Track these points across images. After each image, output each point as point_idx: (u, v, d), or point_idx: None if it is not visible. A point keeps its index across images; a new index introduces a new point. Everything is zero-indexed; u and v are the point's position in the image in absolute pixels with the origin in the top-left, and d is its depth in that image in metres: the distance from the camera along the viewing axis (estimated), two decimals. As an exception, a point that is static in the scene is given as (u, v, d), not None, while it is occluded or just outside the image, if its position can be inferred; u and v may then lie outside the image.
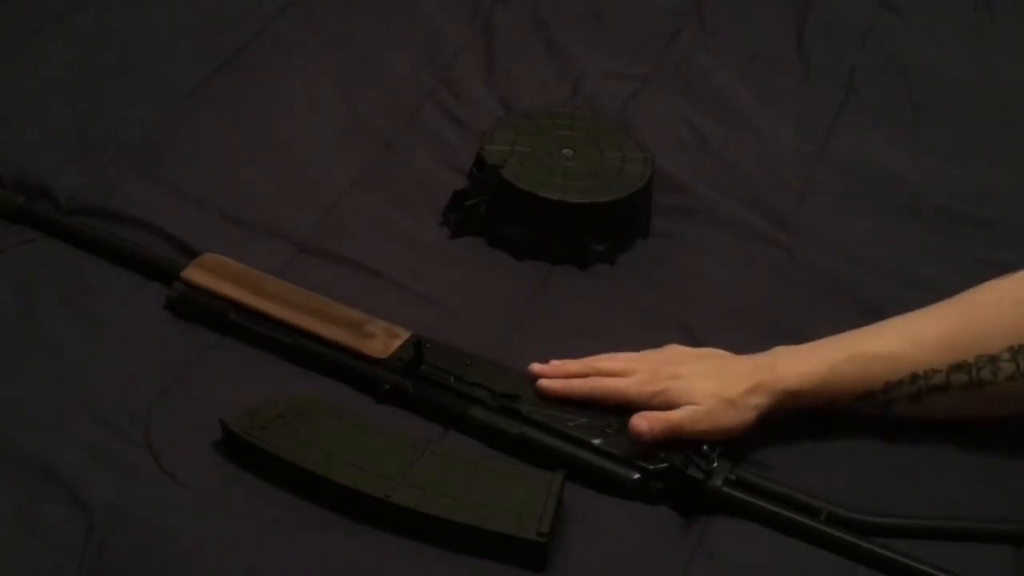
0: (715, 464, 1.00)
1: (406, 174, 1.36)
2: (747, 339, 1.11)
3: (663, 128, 1.44)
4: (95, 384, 1.06)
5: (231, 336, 1.12)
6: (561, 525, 0.97)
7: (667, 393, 1.03)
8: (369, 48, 1.53)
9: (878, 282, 1.24)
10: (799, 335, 1.10)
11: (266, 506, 0.97)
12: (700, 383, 1.04)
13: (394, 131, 1.41)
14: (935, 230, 1.33)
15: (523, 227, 1.25)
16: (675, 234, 1.30)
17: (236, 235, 1.24)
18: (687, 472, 1.00)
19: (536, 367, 1.08)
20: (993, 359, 1.03)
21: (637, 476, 1.01)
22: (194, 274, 1.15)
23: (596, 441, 1.03)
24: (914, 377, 1.04)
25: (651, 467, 1.01)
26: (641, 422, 1.02)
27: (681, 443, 1.02)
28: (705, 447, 1.00)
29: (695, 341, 1.14)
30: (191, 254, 1.18)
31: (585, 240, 1.24)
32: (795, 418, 1.06)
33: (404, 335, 1.11)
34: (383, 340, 1.10)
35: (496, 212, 1.26)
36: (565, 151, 1.29)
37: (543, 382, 1.07)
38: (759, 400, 1.04)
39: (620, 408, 1.04)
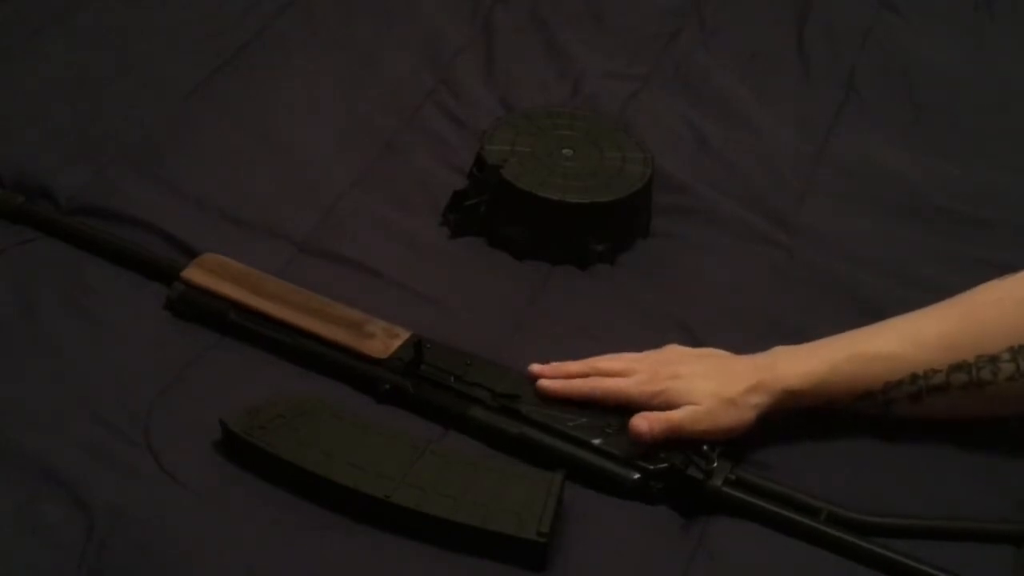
0: (715, 464, 1.00)
1: (406, 174, 1.36)
2: (747, 339, 1.11)
3: (663, 128, 1.44)
4: (95, 384, 1.06)
5: (231, 336, 1.12)
6: (561, 525, 0.97)
7: (667, 393, 1.03)
8: (369, 48, 1.53)
9: (878, 282, 1.24)
10: (799, 335, 1.10)
11: (266, 506, 0.97)
12: (700, 383, 1.04)
13: (394, 131, 1.41)
14: (935, 230, 1.33)
15: (523, 227, 1.25)
16: (675, 234, 1.30)
17: (236, 235, 1.24)
18: (687, 472, 1.00)
19: (536, 367, 1.08)
20: (993, 359, 1.03)
21: (637, 476, 1.01)
22: (194, 274, 1.15)
23: (596, 441, 1.03)
24: (914, 377, 1.04)
25: (651, 467, 1.01)
26: (641, 422, 1.02)
27: (681, 443, 1.02)
28: (705, 447, 1.00)
29: (695, 341, 1.14)
30: (191, 254, 1.18)
31: (585, 240, 1.24)
32: (795, 418, 1.06)
33: (404, 335, 1.11)
34: (383, 340, 1.10)
35: (496, 212, 1.26)
36: (565, 151, 1.29)
37: (543, 382, 1.07)
38: (759, 400, 1.04)
39: (620, 408, 1.04)
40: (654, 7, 1.67)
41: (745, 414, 1.03)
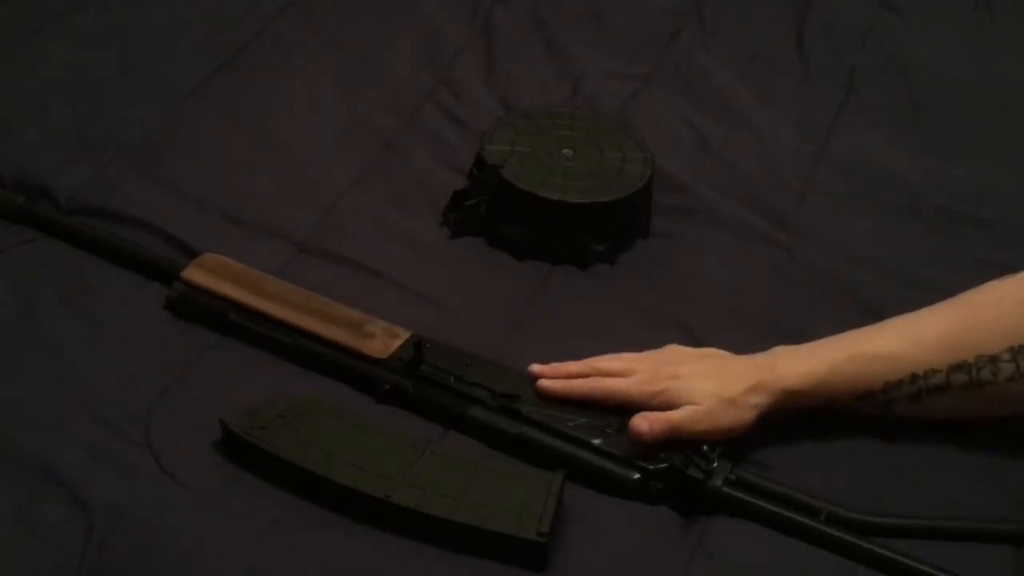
0: (715, 464, 0.99)
1: (406, 174, 1.36)
2: (747, 339, 1.11)
3: (663, 128, 1.44)
4: (95, 384, 1.06)
5: (231, 336, 1.12)
6: (561, 525, 0.97)
7: (667, 393, 1.03)
8: (369, 48, 1.53)
9: (878, 282, 1.24)
10: (799, 335, 1.10)
11: (266, 506, 0.97)
12: (700, 383, 1.04)
13: (394, 131, 1.41)
14: (935, 230, 1.33)
15: (523, 227, 1.25)
16: (675, 234, 1.30)
17: (236, 235, 1.24)
18: (687, 472, 1.00)
19: (536, 368, 1.08)
20: (993, 359, 1.03)
21: (637, 476, 1.01)
22: (194, 274, 1.15)
23: (596, 441, 1.03)
24: (914, 377, 1.04)
25: (651, 467, 1.01)
26: (641, 422, 1.02)
27: (681, 443, 1.02)
28: (705, 447, 1.00)
29: (695, 341, 1.14)
30: (191, 254, 1.18)
31: (585, 240, 1.24)
32: (795, 418, 1.06)
33: (404, 335, 1.11)
34: (383, 340, 1.10)
35: (496, 212, 1.26)
36: (565, 151, 1.29)
37: (543, 382, 1.07)
38: (759, 400, 1.04)
39: (620, 408, 1.04)
40: (654, 7, 1.67)
41: (745, 414, 1.03)
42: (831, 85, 1.55)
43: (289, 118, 1.41)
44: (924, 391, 1.04)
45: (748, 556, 0.98)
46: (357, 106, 1.44)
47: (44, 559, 0.92)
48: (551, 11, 1.63)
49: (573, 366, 1.08)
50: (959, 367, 1.03)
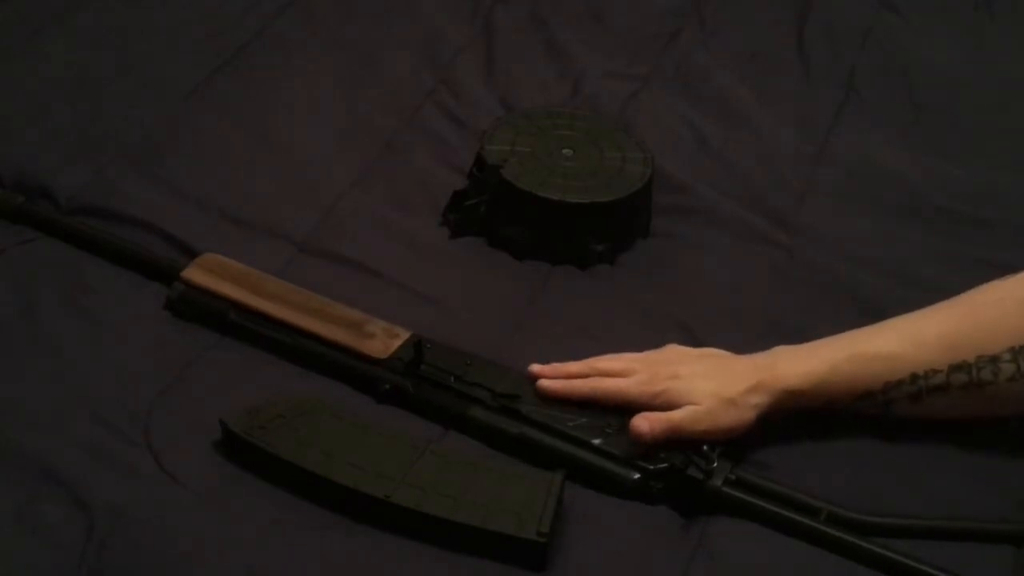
0: (715, 464, 0.99)
1: (406, 174, 1.36)
2: (747, 339, 1.11)
3: (663, 128, 1.44)
4: (95, 384, 1.06)
5: (231, 336, 1.12)
6: (561, 525, 0.97)
7: (668, 393, 1.03)
8: (369, 48, 1.53)
9: (878, 282, 1.24)
10: (799, 335, 1.10)
11: (266, 506, 0.97)
12: (700, 383, 1.04)
13: (394, 131, 1.41)
14: (935, 230, 1.33)
15: (523, 227, 1.25)
16: (675, 234, 1.30)
17: (236, 235, 1.24)
18: (687, 472, 1.00)
19: (536, 368, 1.08)
20: (994, 359, 1.03)
21: (637, 476, 1.01)
22: (194, 274, 1.15)
23: (596, 441, 1.03)
24: (914, 377, 1.04)
25: (651, 467, 1.01)
26: (642, 423, 1.02)
27: (681, 443, 1.02)
28: (705, 447, 1.00)
29: (695, 341, 1.14)
30: (191, 254, 1.18)
31: (585, 240, 1.24)
32: (795, 418, 1.06)
33: (404, 335, 1.11)
34: (383, 340, 1.10)
35: (496, 212, 1.26)
36: (565, 151, 1.29)
37: (543, 382, 1.07)
38: (759, 400, 1.04)
39: (620, 408, 1.04)
40: (654, 7, 1.67)
41: (745, 414, 1.03)
42: (831, 85, 1.55)
43: (289, 118, 1.41)
44: (924, 391, 1.04)
45: (748, 556, 0.98)
46: (357, 106, 1.44)
47: (44, 559, 0.92)
48: (551, 11, 1.63)
49: (573, 366, 1.08)
50: (959, 367, 1.03)
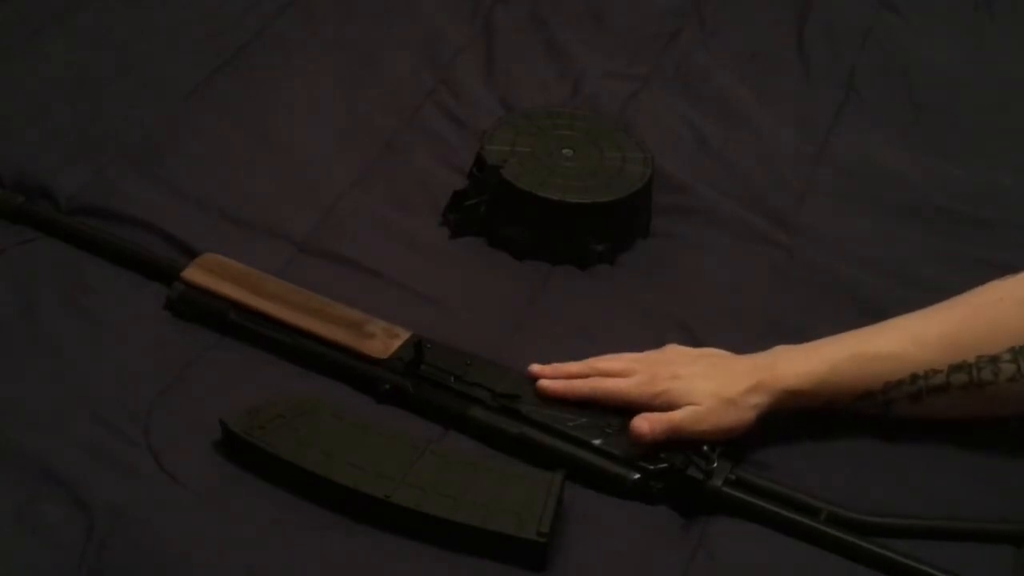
0: (715, 464, 0.99)
1: (406, 174, 1.36)
2: (747, 339, 1.11)
3: (663, 128, 1.44)
4: (95, 384, 1.06)
5: (231, 336, 1.12)
6: (561, 525, 0.97)
7: (668, 394, 1.03)
8: (369, 48, 1.53)
9: (878, 282, 1.24)
10: (799, 335, 1.10)
11: (266, 506, 0.97)
12: (700, 383, 1.04)
13: (394, 131, 1.41)
14: (935, 230, 1.33)
15: (523, 227, 1.25)
16: (675, 234, 1.30)
17: (236, 235, 1.24)
18: (687, 472, 1.00)
19: (536, 368, 1.08)
20: (994, 360, 1.03)
21: (637, 476, 1.01)
22: (194, 274, 1.15)
23: (596, 441, 1.03)
24: (914, 377, 1.04)
25: (651, 467, 1.01)
26: (642, 423, 1.02)
27: (681, 443, 1.02)
28: (705, 447, 1.00)
29: (695, 341, 1.14)
30: (191, 254, 1.18)
31: (585, 240, 1.24)
32: (795, 418, 1.06)
33: (404, 335, 1.11)
34: (383, 340, 1.10)
35: (496, 212, 1.26)
36: (565, 151, 1.29)
37: (543, 382, 1.07)
38: (759, 400, 1.04)
39: (620, 409, 1.04)
40: (654, 7, 1.67)
41: (745, 414, 1.03)
42: (831, 85, 1.55)
43: (289, 118, 1.41)
44: (924, 391, 1.04)
45: (748, 556, 0.98)
46: (357, 106, 1.44)
47: (44, 559, 0.92)
48: (551, 11, 1.63)
49: (573, 366, 1.08)
50: (959, 367, 1.03)
